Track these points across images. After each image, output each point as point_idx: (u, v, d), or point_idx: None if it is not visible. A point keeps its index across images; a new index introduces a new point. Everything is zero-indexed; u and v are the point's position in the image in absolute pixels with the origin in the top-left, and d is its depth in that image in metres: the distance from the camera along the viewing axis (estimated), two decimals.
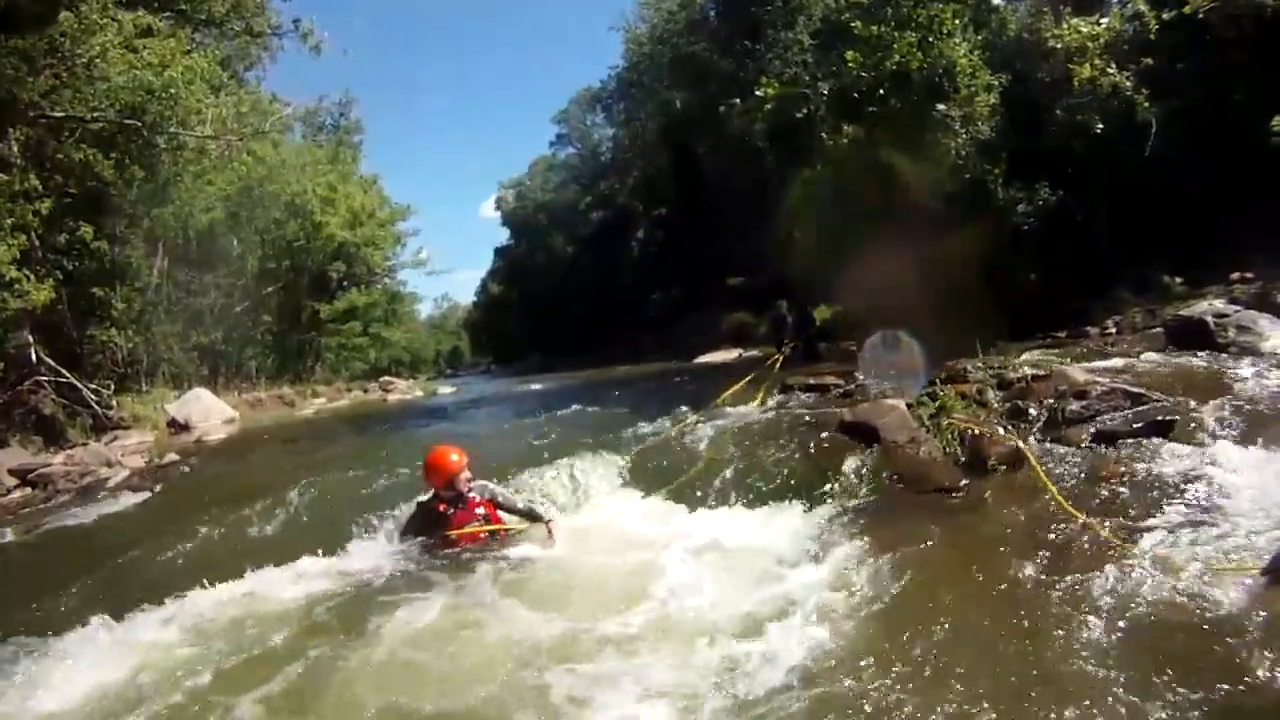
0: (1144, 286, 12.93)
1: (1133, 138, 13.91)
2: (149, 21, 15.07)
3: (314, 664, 3.70)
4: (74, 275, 15.83)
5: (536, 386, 24.08)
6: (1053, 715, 2.77)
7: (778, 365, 12.55)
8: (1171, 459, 5.03)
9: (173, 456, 12.28)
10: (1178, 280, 12.64)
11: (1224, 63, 13.97)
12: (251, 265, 26.56)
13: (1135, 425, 5.55)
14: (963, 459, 5.80)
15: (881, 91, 14.92)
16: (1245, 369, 6.84)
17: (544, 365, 41.90)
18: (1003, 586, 3.82)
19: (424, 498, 5.64)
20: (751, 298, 26.94)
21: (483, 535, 5.38)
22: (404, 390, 29.48)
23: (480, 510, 5.47)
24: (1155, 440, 5.33)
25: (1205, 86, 14.03)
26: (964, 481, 5.45)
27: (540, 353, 51.24)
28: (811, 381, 10.06)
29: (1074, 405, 6.12)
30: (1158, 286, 12.71)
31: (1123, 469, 5.02)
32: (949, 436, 6.15)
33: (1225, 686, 2.76)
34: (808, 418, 7.85)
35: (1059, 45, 14.34)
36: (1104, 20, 14.44)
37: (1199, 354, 7.70)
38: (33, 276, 13.09)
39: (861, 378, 8.95)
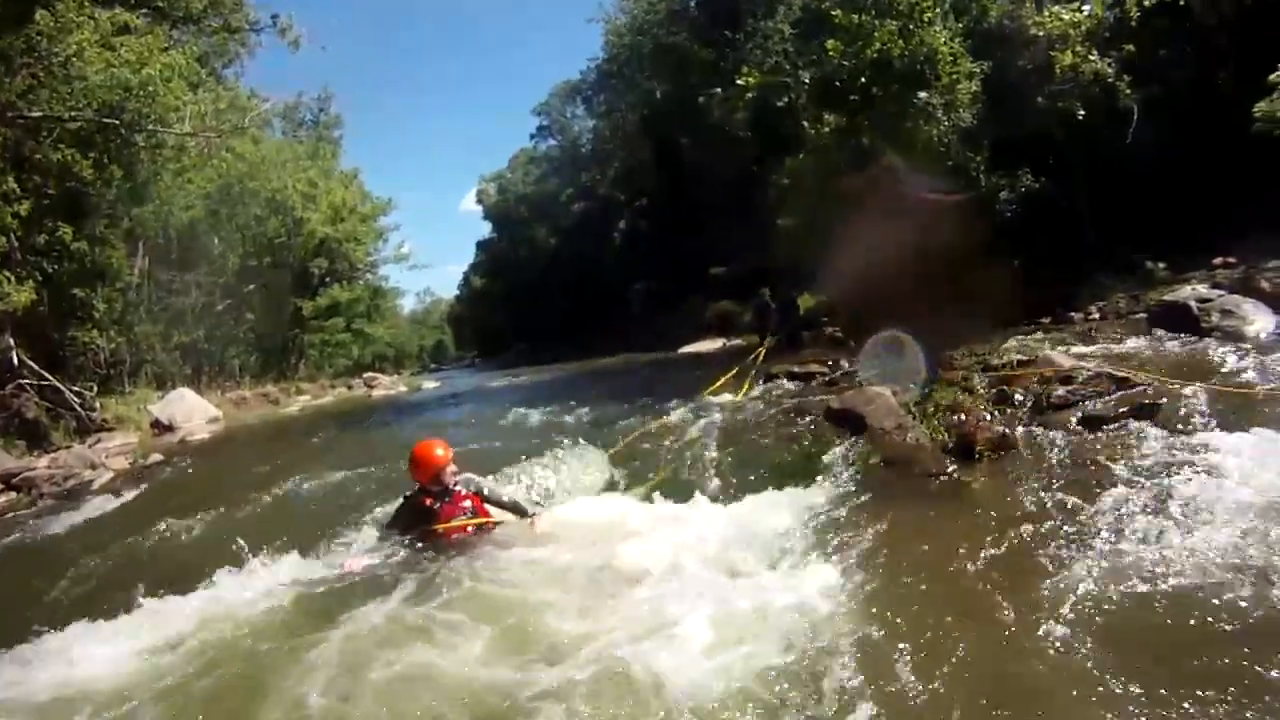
0: (1127, 272, 12.96)
1: (1114, 124, 13.97)
2: (126, 19, 14.96)
3: (298, 663, 3.64)
4: (54, 277, 15.64)
5: (521, 379, 24.02)
6: (1033, 704, 2.82)
7: (762, 355, 12.57)
8: (1157, 443, 5.05)
9: (157, 457, 12.25)
10: (1161, 265, 12.67)
11: (1205, 48, 14.05)
12: (233, 263, 26.41)
13: (1121, 410, 5.62)
14: (950, 445, 5.81)
15: (863, 80, 14.94)
16: (1229, 353, 6.90)
17: (528, 357, 41.77)
18: (990, 572, 3.84)
19: (410, 492, 5.61)
20: (735, 287, 26.87)
21: (469, 529, 5.35)
22: (388, 386, 29.49)
23: (467, 504, 5.40)
24: (1141, 424, 5.38)
25: (1187, 73, 14.09)
26: (951, 467, 5.46)
27: (524, 345, 51.31)
28: (796, 369, 10.14)
29: (1060, 390, 6.20)
30: (1141, 272, 12.75)
31: (1108, 453, 5.05)
32: (936, 423, 6.18)
33: (1211, 674, 2.80)
34: (793, 406, 7.91)
35: (1040, 33, 14.39)
36: (1086, 7, 14.47)
37: (1183, 338, 7.76)
38: (13, 278, 13.00)
39: (861, 377, 8.93)
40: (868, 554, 4.23)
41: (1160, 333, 8.36)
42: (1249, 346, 7.10)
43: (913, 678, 3.02)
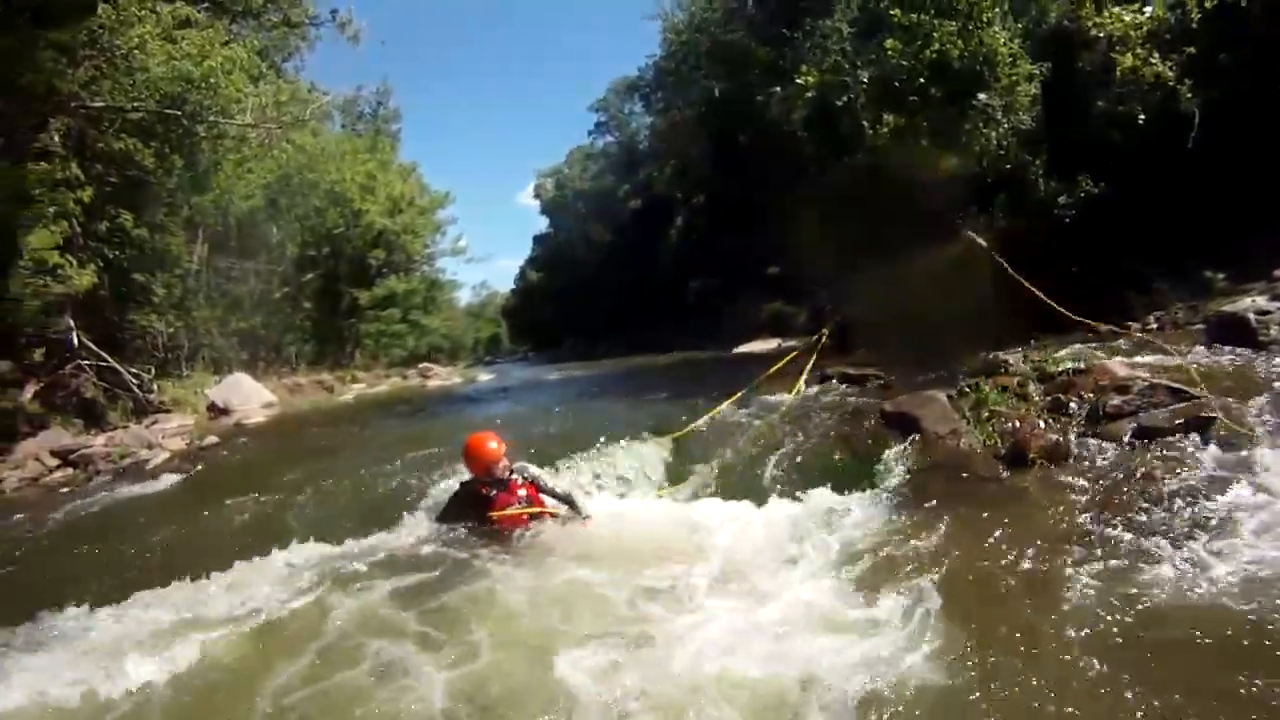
0: (1185, 282, 12.53)
1: (1175, 129, 13.51)
2: (187, 13, 15.26)
3: (353, 647, 3.77)
4: (115, 261, 16.14)
5: (576, 374, 24.20)
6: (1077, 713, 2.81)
7: (815, 354, 12.41)
8: (1211, 457, 4.97)
9: (213, 439, 12.52)
10: (1220, 276, 12.24)
11: (1266, 54, 13.54)
12: (291, 252, 27.00)
13: (1176, 422, 5.50)
14: (1003, 451, 5.82)
15: (922, 80, 14.67)
16: None
17: (582, 353, 42.08)
18: (1041, 580, 3.87)
19: (466, 478, 5.64)
20: (790, 287, 26.66)
21: (526, 518, 5.38)
22: (443, 377, 29.76)
23: (522, 493, 5.49)
24: (1195, 438, 5.27)
25: (1248, 78, 13.59)
26: (1004, 474, 5.49)
27: (578, 340, 51.44)
28: (850, 371, 10.01)
29: (1115, 400, 6.07)
30: (1199, 282, 12.32)
31: (1163, 466, 4.97)
32: (990, 429, 6.17)
33: (1263, 686, 2.79)
34: (847, 407, 7.90)
35: (1101, 34, 13.97)
36: (1147, 8, 14.04)
37: (1240, 351, 7.50)
38: (75, 262, 13.38)
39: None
40: (916, 562, 4.26)
41: (1218, 345, 8.07)
42: None
43: (959, 681, 3.08)
